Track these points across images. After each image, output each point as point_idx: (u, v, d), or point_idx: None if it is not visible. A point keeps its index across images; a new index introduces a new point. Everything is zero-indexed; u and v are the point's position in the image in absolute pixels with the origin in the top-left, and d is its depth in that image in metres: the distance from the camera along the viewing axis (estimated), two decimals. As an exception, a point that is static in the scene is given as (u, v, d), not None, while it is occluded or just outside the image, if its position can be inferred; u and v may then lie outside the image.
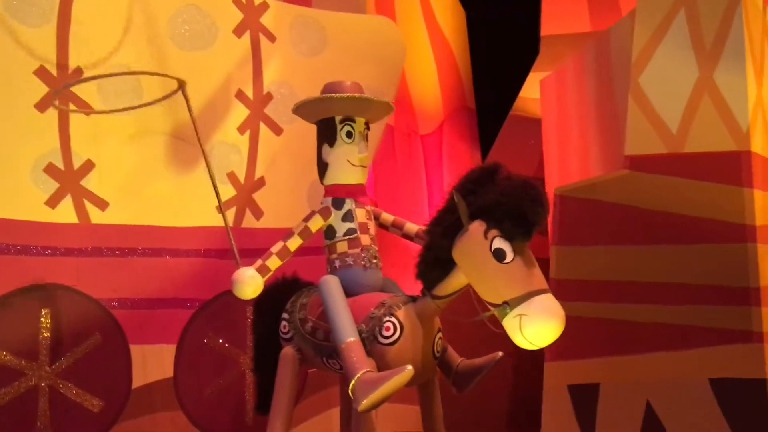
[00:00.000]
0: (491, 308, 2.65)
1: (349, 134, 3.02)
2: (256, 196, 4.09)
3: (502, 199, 2.67)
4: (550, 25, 5.91)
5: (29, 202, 3.44)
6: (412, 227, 3.22)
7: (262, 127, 4.13)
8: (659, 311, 3.48)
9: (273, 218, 4.12)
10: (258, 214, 4.09)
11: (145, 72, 3.58)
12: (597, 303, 3.42)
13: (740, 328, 3.33)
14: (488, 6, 6.10)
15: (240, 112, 4.06)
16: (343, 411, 3.36)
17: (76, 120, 3.55)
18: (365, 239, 3.09)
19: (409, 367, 2.73)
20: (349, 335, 2.88)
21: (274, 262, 3.03)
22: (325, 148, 3.07)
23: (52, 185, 3.50)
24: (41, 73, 3.47)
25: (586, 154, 4.39)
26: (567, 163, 4.63)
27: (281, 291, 3.39)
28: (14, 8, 3.42)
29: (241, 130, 4.06)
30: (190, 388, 3.82)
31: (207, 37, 3.96)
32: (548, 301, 2.57)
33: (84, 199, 3.57)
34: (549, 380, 3.59)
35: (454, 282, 2.83)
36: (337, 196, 3.08)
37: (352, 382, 2.78)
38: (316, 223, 3.06)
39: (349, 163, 3.06)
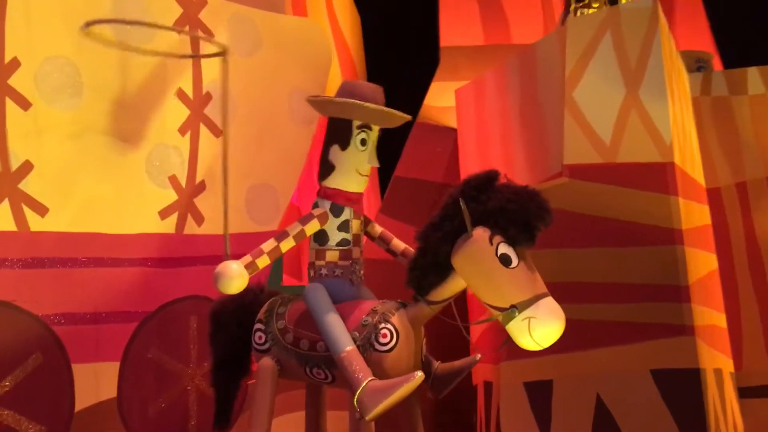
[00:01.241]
0: (495, 312, 2.72)
1: (363, 142, 2.96)
2: (197, 201, 3.89)
3: (507, 206, 2.75)
4: (447, 36, 6.12)
5: (-38, 208, 3.05)
6: (399, 244, 3.20)
7: (202, 128, 3.94)
8: (603, 309, 3.75)
9: (213, 224, 3.93)
10: (199, 219, 3.89)
11: (182, 32, 3.50)
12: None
13: (674, 323, 3.68)
14: (385, 13, 6.19)
15: (180, 112, 3.84)
16: (310, 417, 3.30)
17: (13, 115, 3.19)
18: (356, 252, 3.06)
19: (420, 373, 2.75)
20: (346, 344, 2.84)
21: (263, 261, 2.89)
22: (335, 149, 2.98)
23: (-11, 189, 3.12)
24: (-24, 62, 3.09)
25: (510, 162, 4.60)
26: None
27: (243, 300, 3.27)
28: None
29: (182, 131, 3.84)
30: (134, 408, 3.56)
31: (147, 31, 3.70)
32: (552, 304, 2.69)
33: (23, 204, 3.21)
34: (505, 378, 3.75)
35: (451, 287, 2.88)
36: (337, 202, 3.01)
37: (359, 391, 2.75)
38: (313, 228, 2.98)
39: (356, 172, 3.01)
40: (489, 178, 2.87)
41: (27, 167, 3.22)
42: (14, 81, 3.17)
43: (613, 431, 3.61)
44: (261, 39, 4.23)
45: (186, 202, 3.83)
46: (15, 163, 3.19)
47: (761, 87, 5.04)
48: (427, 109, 5.83)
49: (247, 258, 2.88)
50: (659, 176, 3.90)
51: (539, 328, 2.64)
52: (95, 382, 3.41)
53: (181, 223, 3.80)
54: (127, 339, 3.55)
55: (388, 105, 3.03)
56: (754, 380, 4.60)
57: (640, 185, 3.91)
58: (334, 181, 3.01)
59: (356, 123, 2.97)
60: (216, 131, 4.00)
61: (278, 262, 4.33)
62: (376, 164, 3.06)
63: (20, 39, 3.20)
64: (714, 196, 4.81)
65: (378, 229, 3.20)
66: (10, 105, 3.17)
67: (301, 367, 3.04)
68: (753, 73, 5.09)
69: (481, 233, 2.74)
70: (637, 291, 3.75)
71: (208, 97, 3.97)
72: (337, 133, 3.01)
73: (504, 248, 2.72)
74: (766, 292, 4.78)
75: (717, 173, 4.97)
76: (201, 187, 3.91)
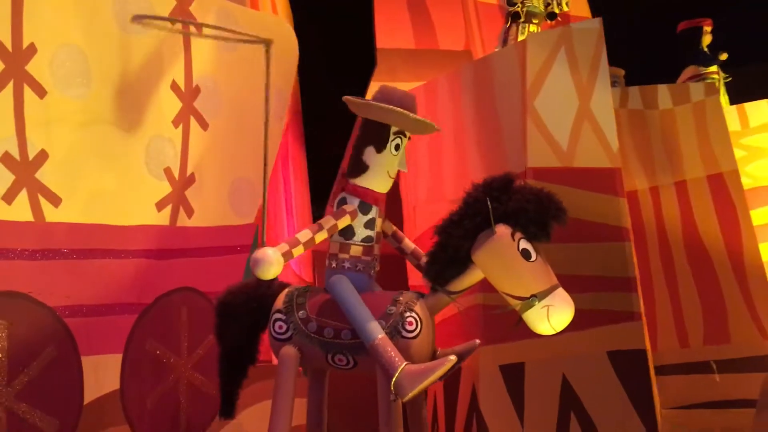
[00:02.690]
0: (516, 301, 3.06)
1: (397, 147, 3.17)
2: (188, 193, 3.91)
3: (528, 206, 3.09)
4: (383, 39, 6.37)
5: (-20, 197, 2.94)
6: (409, 244, 3.44)
7: (192, 121, 3.96)
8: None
9: (202, 217, 3.98)
10: (189, 212, 3.92)
11: (229, 31, 3.57)
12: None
13: (625, 310, 4.17)
14: (321, 14, 6.35)
15: (174, 105, 3.84)
16: (312, 404, 3.46)
17: (30, 102, 3.10)
18: (376, 248, 3.28)
19: (453, 357, 3.04)
20: (378, 332, 3.07)
21: (298, 251, 3.06)
22: (371, 150, 3.16)
23: (9, 178, 3.02)
24: (-2, 47, 2.98)
25: (463, 161, 4.94)
26: (439, 171, 5.13)
27: (256, 292, 3.41)
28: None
29: (175, 123, 3.85)
30: (135, 399, 3.56)
31: (142, 24, 3.68)
32: (564, 293, 3.07)
33: (39, 194, 3.13)
34: (484, 361, 4.08)
35: (469, 278, 3.19)
36: (366, 200, 3.20)
37: (396, 374, 2.98)
38: (344, 223, 3.16)
39: (387, 174, 3.21)
40: (508, 181, 3.20)
41: (43, 156, 3.15)
42: (31, 67, 3.09)
43: (577, 407, 4.04)
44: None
45: (178, 195, 3.85)
46: (32, 152, 3.11)
47: (669, 102, 5.72)
48: (368, 108, 6.06)
49: (284, 246, 3.03)
50: (609, 180, 4.38)
51: (556, 315, 3.00)
52: (99, 375, 3.38)
53: (174, 215, 3.82)
54: (128, 330, 3.54)
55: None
56: (666, 359, 5.25)
57: (593, 187, 4.37)
58: (365, 181, 3.21)
59: (393, 129, 3.19)
60: (204, 124, 4.04)
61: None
62: (405, 169, 3.29)
63: (37, 24, 3.12)
64: (632, 198, 5.41)
65: (390, 227, 3.42)
66: (28, 92, 3.09)
67: (324, 355, 3.21)
68: (663, 90, 5.75)
69: (504, 230, 3.05)
70: (594, 282, 4.20)
71: (197, 90, 3.99)
72: (374, 135, 3.20)
73: (524, 244, 3.06)
74: (675, 282, 5.46)
75: (634, 178, 5.59)
76: (191, 179, 3.93)
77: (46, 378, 3.13)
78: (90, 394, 3.33)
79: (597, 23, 4.59)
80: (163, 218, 3.74)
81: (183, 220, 3.87)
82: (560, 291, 3.06)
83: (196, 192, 3.94)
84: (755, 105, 6.61)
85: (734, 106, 6.57)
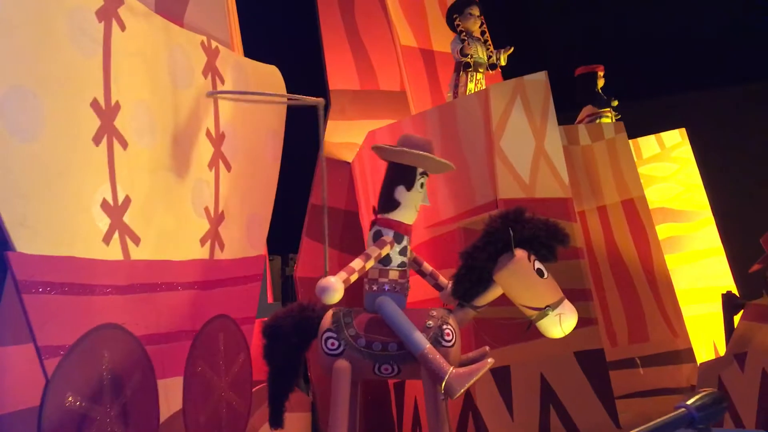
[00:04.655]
0: (532, 311, 3.76)
1: (422, 185, 3.79)
2: (220, 229, 4.33)
3: (540, 234, 3.82)
4: (333, 80, 6.96)
5: (91, 239, 3.27)
6: (428, 266, 4.08)
7: (221, 164, 4.38)
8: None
9: (229, 250, 4.41)
10: (222, 246, 4.33)
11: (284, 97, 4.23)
12: (500, 307, 4.68)
13: (585, 316, 4.98)
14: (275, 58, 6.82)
15: (208, 150, 4.26)
16: (352, 412, 3.99)
17: (118, 154, 3.46)
18: (408, 272, 3.88)
19: (491, 359, 3.70)
20: (425, 343, 3.69)
21: (354, 277, 3.63)
22: (401, 189, 3.75)
23: (106, 221, 3.36)
24: (95, 105, 3.33)
25: (433, 195, 5.60)
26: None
27: (302, 314, 3.93)
28: (75, 35, 3.23)
29: (209, 166, 4.27)
30: (192, 418, 3.92)
31: (186, 78, 4.09)
32: (570, 304, 3.82)
33: (126, 236, 3.48)
34: (477, 367, 4.75)
35: (491, 294, 3.88)
36: (399, 231, 3.79)
37: (446, 377, 3.60)
38: (386, 251, 3.73)
39: (414, 209, 3.82)
40: (520, 212, 3.91)
41: (127, 201, 3.51)
42: (118, 122, 3.45)
43: (555, 401, 4.81)
44: (249, 84, 4.77)
45: (214, 231, 4.26)
46: (120, 198, 3.46)
47: (588, 139, 6.71)
48: (327, 145, 6.61)
49: (343, 275, 3.58)
50: (563, 208, 5.22)
51: (566, 321, 3.73)
52: (169, 396, 3.74)
53: (212, 250, 4.23)
54: (186, 355, 3.92)
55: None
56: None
57: (551, 215, 5.10)
58: (398, 215, 3.80)
59: (419, 170, 3.81)
60: (228, 166, 4.47)
61: (264, 284, 4.92)
62: (428, 203, 3.91)
63: (120, 84, 3.48)
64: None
65: (413, 254, 4.02)
66: (116, 145, 3.45)
67: (372, 365, 3.77)
68: (582, 128, 6.76)
69: (521, 254, 3.76)
70: (561, 294, 5.00)
71: (223, 135, 4.43)
72: (404, 176, 3.81)
73: (538, 264, 3.78)
74: (603, 292, 6.40)
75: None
76: (222, 216, 4.35)
77: (134, 402, 3.47)
78: (163, 415, 3.68)
79: (543, 76, 5.45)
80: (204, 253, 4.15)
81: (218, 254, 4.28)
82: (567, 302, 3.80)
83: (225, 228, 4.37)
84: (646, 139, 7.82)
85: (630, 140, 7.70)
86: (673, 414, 1.75)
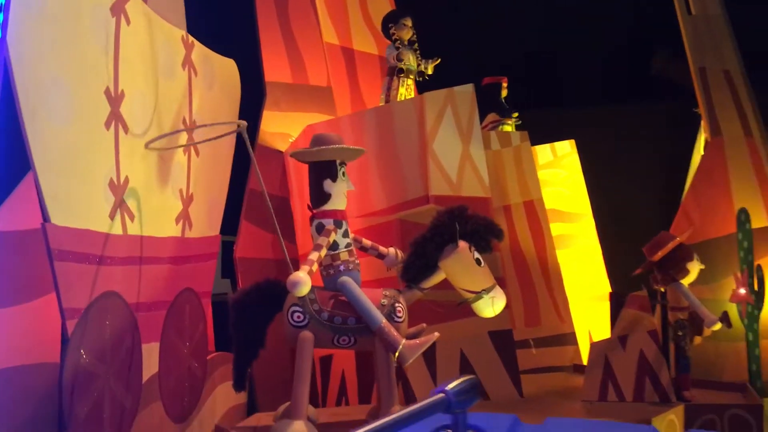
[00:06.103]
0: (470, 294, 4.45)
1: (344, 174, 4.27)
2: (190, 209, 4.71)
3: (479, 228, 4.51)
4: (269, 72, 7.36)
5: (102, 215, 3.61)
6: (367, 242, 4.60)
7: (192, 149, 4.76)
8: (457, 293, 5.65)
9: (196, 229, 4.80)
10: (190, 225, 4.73)
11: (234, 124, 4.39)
12: (432, 291, 5.33)
13: (498, 301, 5.75)
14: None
15: (184, 136, 4.63)
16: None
17: (121, 138, 3.80)
18: (354, 251, 4.43)
19: (437, 333, 4.35)
20: (381, 318, 4.28)
21: (315, 268, 4.12)
22: (328, 182, 4.16)
23: (111, 199, 3.70)
24: (107, 93, 3.66)
25: (365, 186, 6.19)
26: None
27: (271, 291, 4.43)
28: (96, 29, 3.55)
29: (184, 151, 4.64)
30: (164, 380, 4.32)
31: (170, 69, 4.45)
32: (500, 289, 4.53)
33: (124, 213, 3.84)
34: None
35: (436, 278, 4.53)
36: (337, 218, 4.28)
37: (400, 348, 4.22)
38: (332, 239, 4.21)
39: (343, 195, 4.32)
40: (463, 209, 4.58)
41: (126, 181, 3.86)
42: (122, 109, 3.80)
43: (472, 373, 5.51)
44: (215, 75, 5.15)
45: (186, 211, 4.64)
46: (122, 178, 3.82)
47: (498, 145, 7.51)
48: (263, 134, 7.02)
49: (306, 268, 4.03)
50: (484, 206, 5.94)
51: (498, 303, 4.43)
52: (150, 360, 4.12)
53: (183, 228, 4.61)
54: (162, 323, 4.30)
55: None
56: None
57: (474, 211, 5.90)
58: (332, 204, 4.19)
59: (338, 161, 4.27)
60: (197, 152, 4.86)
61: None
62: (352, 188, 4.37)
63: (125, 74, 3.83)
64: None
65: (352, 234, 4.52)
66: (120, 130, 3.80)
67: (332, 337, 4.32)
68: (493, 135, 7.54)
69: (464, 245, 4.43)
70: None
71: (194, 123, 4.80)
72: (328, 170, 4.16)
73: (477, 254, 4.46)
74: (504, 281, 7.20)
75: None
76: (191, 198, 4.74)
77: (126, 362, 3.84)
78: (145, 376, 4.07)
79: (471, 88, 6.15)
80: (177, 230, 4.53)
81: (187, 232, 4.67)
82: (498, 287, 4.49)
83: (194, 208, 4.76)
84: (542, 147, 8.73)
85: (529, 147, 8.59)
86: (432, 399, 1.74)
